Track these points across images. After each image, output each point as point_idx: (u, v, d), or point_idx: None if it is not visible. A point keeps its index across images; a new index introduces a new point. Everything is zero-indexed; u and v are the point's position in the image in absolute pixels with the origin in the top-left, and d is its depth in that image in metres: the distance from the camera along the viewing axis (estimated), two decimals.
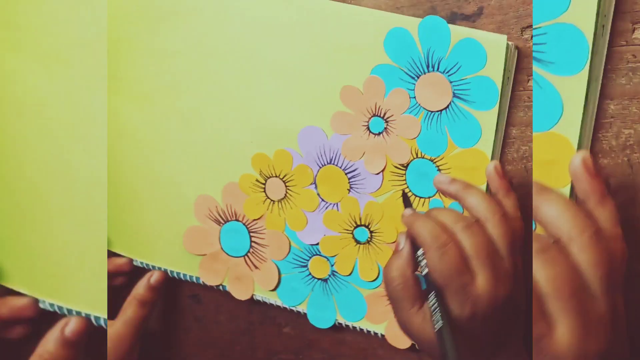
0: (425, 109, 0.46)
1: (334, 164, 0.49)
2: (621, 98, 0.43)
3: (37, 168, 0.50)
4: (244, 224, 0.53)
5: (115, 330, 0.51)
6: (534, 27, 0.42)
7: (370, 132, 0.48)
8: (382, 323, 0.50)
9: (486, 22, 0.44)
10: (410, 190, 0.48)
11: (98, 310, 0.50)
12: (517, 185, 0.46)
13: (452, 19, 0.45)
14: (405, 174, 0.48)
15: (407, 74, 0.46)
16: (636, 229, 0.44)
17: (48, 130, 0.50)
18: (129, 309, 0.53)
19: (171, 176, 0.54)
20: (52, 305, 0.50)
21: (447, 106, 0.45)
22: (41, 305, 0.50)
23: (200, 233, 0.54)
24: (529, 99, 0.44)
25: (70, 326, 0.46)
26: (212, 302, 0.55)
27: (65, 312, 0.51)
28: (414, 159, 0.47)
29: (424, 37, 0.45)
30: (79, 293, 0.50)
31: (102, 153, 0.50)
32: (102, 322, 0.50)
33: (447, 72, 0.45)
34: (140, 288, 0.54)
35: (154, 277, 0.54)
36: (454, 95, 0.45)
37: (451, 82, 0.45)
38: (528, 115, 0.45)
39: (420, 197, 0.48)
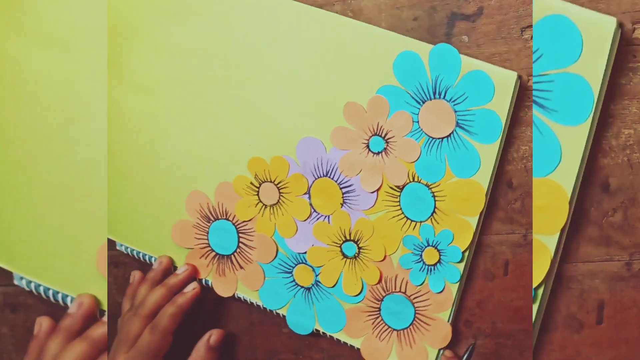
0: (427, 134, 0.46)
1: (330, 177, 0.49)
2: (621, 98, 0.43)
3: (35, 153, 0.51)
4: (233, 224, 0.52)
5: None
6: (540, 73, 0.42)
7: (369, 150, 0.48)
8: (359, 337, 0.51)
9: (486, 22, 0.44)
10: (402, 212, 0.48)
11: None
12: (517, 186, 0.46)
13: (452, 19, 0.45)
14: (400, 196, 0.48)
15: (413, 97, 0.46)
16: (636, 229, 0.45)
17: (47, 115, 0.50)
18: None
19: (167, 169, 0.53)
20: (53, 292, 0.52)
21: (449, 135, 0.45)
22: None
23: (190, 227, 0.53)
24: (529, 99, 0.44)
25: (213, 337, 0.51)
26: (211, 302, 0.55)
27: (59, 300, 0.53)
28: (410, 182, 0.47)
29: (435, 64, 0.44)
30: (73, 278, 0.52)
31: (102, 139, 0.50)
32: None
33: (453, 101, 0.45)
34: (200, 350, 0.51)
35: (213, 338, 0.52)
36: (457, 125, 0.45)
37: (456, 111, 0.45)
38: (528, 115, 0.45)
39: (412, 221, 0.48)
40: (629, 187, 0.44)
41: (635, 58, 0.42)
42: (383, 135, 0.47)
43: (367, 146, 0.48)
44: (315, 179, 0.50)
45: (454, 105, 0.45)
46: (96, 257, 0.51)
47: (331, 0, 0.48)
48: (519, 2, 0.44)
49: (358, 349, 0.51)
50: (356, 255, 0.50)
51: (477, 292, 0.48)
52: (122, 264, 0.57)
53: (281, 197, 0.51)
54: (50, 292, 0.53)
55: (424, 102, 0.45)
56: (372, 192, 0.48)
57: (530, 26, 0.44)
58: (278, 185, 0.51)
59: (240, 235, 0.52)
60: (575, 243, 0.46)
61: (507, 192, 0.46)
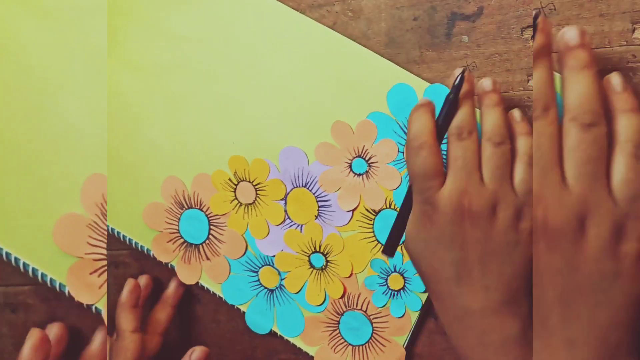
0: None
1: (308, 188, 0.49)
2: None
3: (33, 123, 0.49)
4: (206, 215, 0.51)
5: None
6: None
7: (351, 170, 0.47)
8: (315, 346, 0.51)
9: (486, 22, 0.45)
10: (374, 236, 0.48)
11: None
12: None
13: (452, 18, 0.45)
14: (374, 219, 0.47)
15: (402, 129, 0.46)
16: None
17: (44, 86, 0.49)
18: None
19: (148, 150, 0.51)
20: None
21: None
22: None
23: (162, 210, 0.52)
24: (529, 99, 0.44)
25: (195, 354, 0.50)
26: (211, 301, 0.55)
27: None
28: (386, 208, 0.47)
29: None
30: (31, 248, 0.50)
31: (102, 111, 0.49)
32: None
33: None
34: None
35: (194, 355, 0.50)
36: None
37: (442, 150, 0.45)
38: (527, 115, 0.43)
39: (382, 244, 0.48)
40: None
41: (635, 58, 0.42)
42: (367, 159, 0.47)
43: (350, 166, 0.47)
44: (294, 187, 0.49)
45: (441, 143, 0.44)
46: (53, 228, 0.49)
47: (331, 0, 0.48)
48: (519, 2, 0.44)
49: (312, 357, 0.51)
50: (323, 267, 0.50)
51: None
52: (122, 264, 0.55)
53: (257, 198, 0.50)
54: (13, 257, 0.52)
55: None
56: (348, 211, 0.48)
57: (530, 26, 0.44)
58: (256, 187, 0.49)
59: (211, 227, 0.52)
60: None
61: None
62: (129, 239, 0.53)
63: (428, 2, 0.46)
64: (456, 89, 0.40)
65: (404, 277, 0.48)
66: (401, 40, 0.46)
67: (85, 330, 0.54)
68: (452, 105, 0.40)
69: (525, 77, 0.44)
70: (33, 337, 0.45)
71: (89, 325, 0.54)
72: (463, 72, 0.40)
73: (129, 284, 0.50)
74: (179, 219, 0.52)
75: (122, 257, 0.55)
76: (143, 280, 0.53)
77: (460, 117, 0.40)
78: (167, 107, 0.51)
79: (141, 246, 0.53)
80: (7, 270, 0.54)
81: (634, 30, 0.42)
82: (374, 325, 0.49)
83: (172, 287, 0.53)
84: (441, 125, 0.40)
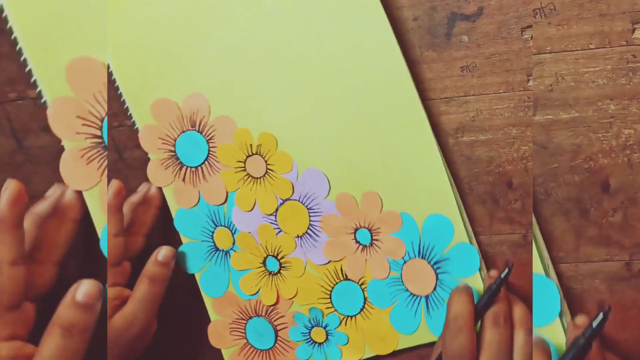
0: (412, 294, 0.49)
1: (306, 208, 0.50)
2: (621, 98, 0.43)
3: None
4: (206, 140, 0.50)
5: (129, 310, 0.48)
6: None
7: (356, 239, 0.49)
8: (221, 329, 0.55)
9: (486, 22, 0.44)
10: (330, 292, 0.51)
11: None
12: (517, 186, 0.46)
13: (452, 19, 0.45)
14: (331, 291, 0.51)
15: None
16: (636, 229, 0.45)
17: None
18: (140, 287, 0.49)
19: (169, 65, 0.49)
20: None
21: (429, 293, 0.48)
22: None
23: (156, 132, 0.51)
24: (529, 99, 0.45)
25: (162, 252, 0.48)
26: None
27: None
28: (342, 280, 0.51)
29: (427, 231, 0.47)
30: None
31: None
32: None
33: (438, 268, 0.48)
34: (149, 265, 0.50)
35: (161, 254, 0.50)
36: (437, 276, 0.48)
37: (437, 275, 0.48)
38: (528, 115, 0.45)
39: (331, 303, 0.51)
40: (629, 187, 0.45)
41: (635, 58, 0.42)
42: (367, 227, 0.49)
43: (355, 235, 0.49)
44: (294, 200, 0.50)
45: (433, 264, 0.48)
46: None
47: None
48: (519, 2, 0.43)
49: None
50: (277, 271, 0.52)
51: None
52: (122, 264, 0.54)
53: (267, 175, 0.50)
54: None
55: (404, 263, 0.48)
56: (324, 263, 0.50)
57: (530, 26, 0.43)
58: (267, 162, 0.50)
59: (211, 152, 0.50)
60: (575, 243, 0.46)
61: (507, 192, 0.47)
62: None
63: (428, 2, 0.45)
64: (502, 282, 0.44)
65: (327, 332, 0.52)
66: (401, 40, 0.46)
67: None
68: (493, 294, 0.44)
69: (525, 77, 0.45)
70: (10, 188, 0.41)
71: None
72: (510, 269, 0.44)
73: (113, 185, 0.47)
74: (176, 140, 0.51)
75: None
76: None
77: (499, 305, 0.43)
78: (195, 32, 0.48)
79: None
80: None
81: (634, 30, 0.42)
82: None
83: (154, 189, 0.52)
84: (480, 311, 0.44)
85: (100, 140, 0.46)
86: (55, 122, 0.43)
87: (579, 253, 0.47)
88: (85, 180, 0.45)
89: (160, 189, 0.53)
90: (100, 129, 0.46)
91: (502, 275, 0.44)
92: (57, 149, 0.51)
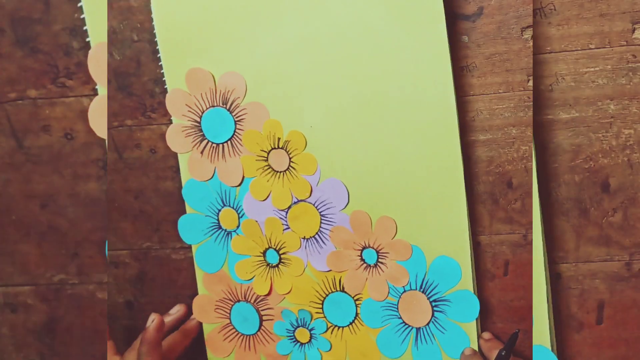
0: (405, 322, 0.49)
1: (321, 215, 0.49)
2: (621, 98, 0.43)
3: None
4: (234, 120, 0.49)
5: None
6: None
7: (361, 258, 0.49)
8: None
9: (486, 22, 0.44)
10: (323, 297, 0.51)
11: None
12: (517, 186, 0.46)
13: (452, 18, 0.45)
14: (324, 300, 0.51)
15: None
16: (636, 229, 0.45)
17: None
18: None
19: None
20: None
21: (422, 326, 0.49)
22: None
23: (185, 99, 0.50)
24: (529, 99, 0.45)
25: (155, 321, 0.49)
26: None
27: None
28: (338, 291, 0.51)
29: (434, 269, 0.47)
30: None
31: None
32: None
33: (436, 306, 0.48)
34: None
35: (154, 322, 0.49)
36: (433, 313, 0.48)
37: (434, 312, 0.48)
38: (528, 115, 0.45)
39: (322, 311, 0.51)
40: (629, 187, 0.45)
41: (635, 58, 0.43)
42: (375, 248, 0.48)
43: (362, 252, 0.49)
44: (309, 203, 0.49)
45: (430, 296, 0.48)
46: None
47: None
48: (519, 2, 0.43)
49: None
50: (277, 263, 0.52)
51: (477, 291, 0.49)
52: (122, 264, 0.56)
53: (289, 168, 0.49)
54: None
55: (400, 293, 0.49)
56: (326, 270, 0.50)
57: (530, 26, 0.43)
58: (290, 158, 0.49)
59: (237, 128, 0.50)
60: (575, 243, 0.46)
61: (507, 192, 0.47)
62: None
63: None
64: (509, 347, 0.44)
65: (310, 334, 0.52)
66: None
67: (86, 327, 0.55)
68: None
69: (525, 77, 0.45)
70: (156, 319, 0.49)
71: (89, 325, 0.55)
72: (516, 335, 0.44)
73: (155, 320, 0.49)
74: (201, 117, 0.50)
75: (122, 257, 0.57)
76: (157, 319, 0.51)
77: None
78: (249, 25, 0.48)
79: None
80: (7, 271, 0.54)
81: (634, 30, 0.42)
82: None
83: (194, 321, 0.55)
84: None
85: (197, 124, 0.50)
86: (171, 104, 0.51)
87: (579, 253, 0.47)
88: (182, 147, 0.51)
89: (200, 323, 0.55)
90: (199, 116, 0.50)
91: (509, 344, 0.45)
92: (57, 149, 0.51)
